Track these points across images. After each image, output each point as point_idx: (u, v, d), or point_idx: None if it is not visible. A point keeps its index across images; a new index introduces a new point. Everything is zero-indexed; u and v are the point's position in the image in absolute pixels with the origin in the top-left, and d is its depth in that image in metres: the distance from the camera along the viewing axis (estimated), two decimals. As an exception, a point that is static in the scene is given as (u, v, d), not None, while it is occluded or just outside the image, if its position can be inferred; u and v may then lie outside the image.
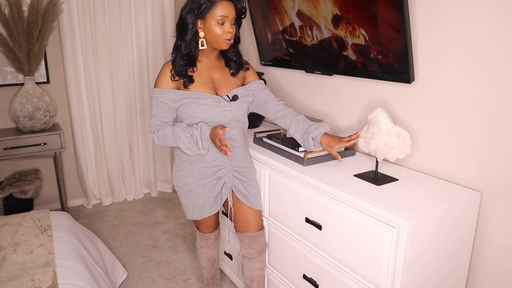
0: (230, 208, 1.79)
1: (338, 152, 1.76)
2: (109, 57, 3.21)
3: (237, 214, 1.80)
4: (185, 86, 1.63)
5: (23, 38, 2.68)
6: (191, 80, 1.63)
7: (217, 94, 1.65)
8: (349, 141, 1.55)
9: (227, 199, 1.78)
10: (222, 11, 1.52)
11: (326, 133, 1.63)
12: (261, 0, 2.25)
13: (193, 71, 1.64)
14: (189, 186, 1.72)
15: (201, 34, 1.59)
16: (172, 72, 1.62)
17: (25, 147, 2.78)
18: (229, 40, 1.58)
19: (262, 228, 1.83)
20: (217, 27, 1.55)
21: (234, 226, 1.84)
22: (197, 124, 1.60)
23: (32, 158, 3.14)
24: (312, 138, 1.63)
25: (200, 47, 1.61)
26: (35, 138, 2.80)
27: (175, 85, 1.64)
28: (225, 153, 1.52)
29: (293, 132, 1.71)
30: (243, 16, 1.64)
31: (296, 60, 2.19)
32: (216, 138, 1.54)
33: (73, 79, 3.09)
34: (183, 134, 1.59)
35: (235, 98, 1.66)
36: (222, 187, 1.74)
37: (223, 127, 1.54)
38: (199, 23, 1.57)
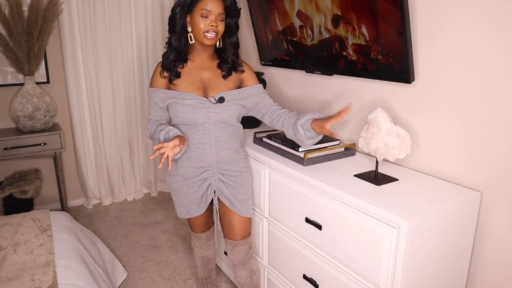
0: (216, 211, 1.78)
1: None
2: (109, 57, 3.21)
3: (222, 219, 1.79)
4: (170, 81, 1.63)
5: (23, 38, 2.68)
6: (177, 75, 1.63)
7: (206, 95, 1.64)
8: (340, 114, 1.44)
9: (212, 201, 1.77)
10: (206, 5, 1.53)
11: (316, 119, 1.55)
12: (261, 0, 2.25)
13: (182, 67, 1.65)
14: (176, 184, 1.73)
15: (189, 28, 1.60)
16: (161, 67, 1.64)
17: (25, 147, 2.78)
18: (209, 34, 1.55)
19: (246, 236, 1.80)
20: (200, 20, 1.55)
21: (222, 230, 1.84)
22: (168, 127, 1.58)
23: (32, 158, 3.14)
24: (301, 126, 1.55)
25: (190, 42, 1.62)
26: (35, 138, 2.80)
27: (165, 84, 1.66)
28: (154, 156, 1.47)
29: (287, 129, 1.65)
30: (234, 15, 1.61)
31: (296, 60, 2.19)
32: (166, 143, 1.47)
33: (73, 79, 3.09)
34: (156, 134, 1.62)
35: (221, 100, 1.63)
36: (207, 189, 1.73)
37: (181, 141, 1.50)
38: (188, 18, 1.59)
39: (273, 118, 1.72)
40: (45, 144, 2.84)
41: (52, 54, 3.05)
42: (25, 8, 2.73)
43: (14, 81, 2.93)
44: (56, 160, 2.98)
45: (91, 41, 3.10)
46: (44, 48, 2.88)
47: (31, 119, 2.79)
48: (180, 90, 1.63)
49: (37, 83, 2.93)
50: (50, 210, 2.20)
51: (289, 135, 1.65)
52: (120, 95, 3.32)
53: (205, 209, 1.77)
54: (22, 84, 2.87)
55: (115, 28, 3.18)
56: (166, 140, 1.55)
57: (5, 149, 2.72)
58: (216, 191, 1.73)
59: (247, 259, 1.82)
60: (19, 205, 2.85)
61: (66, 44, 3.00)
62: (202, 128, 1.64)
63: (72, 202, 3.40)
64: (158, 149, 1.46)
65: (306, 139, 1.57)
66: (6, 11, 2.67)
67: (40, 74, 3.02)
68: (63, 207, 3.11)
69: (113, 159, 3.41)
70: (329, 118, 1.48)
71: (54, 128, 2.98)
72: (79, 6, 2.98)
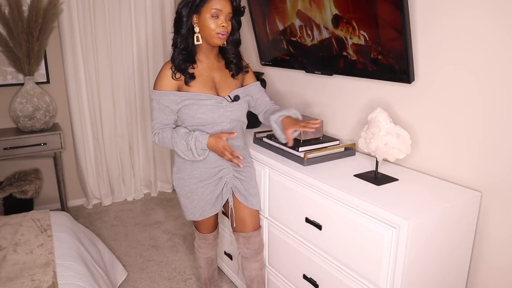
0: (231, 208, 1.79)
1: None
2: (109, 57, 3.22)
3: (235, 214, 1.80)
4: (186, 83, 1.61)
5: (23, 38, 2.68)
6: (192, 76, 1.61)
7: (218, 95, 1.65)
8: (305, 126, 1.56)
9: (227, 199, 1.78)
10: (217, 5, 1.52)
11: (289, 116, 1.66)
12: (261, 0, 2.25)
13: (193, 68, 1.63)
14: (190, 187, 1.72)
15: (196, 29, 1.58)
16: (173, 69, 1.60)
17: (25, 147, 2.78)
18: (222, 35, 1.56)
19: (258, 228, 1.83)
20: (211, 20, 1.54)
21: (232, 226, 1.84)
22: (193, 132, 1.59)
23: (32, 158, 3.14)
24: (275, 121, 1.68)
25: (196, 42, 1.61)
26: (35, 138, 2.80)
27: (176, 86, 1.62)
28: (238, 165, 1.57)
29: (264, 119, 1.80)
30: (240, 14, 1.62)
31: (296, 60, 2.19)
32: (225, 150, 1.56)
33: (73, 79, 3.09)
34: (179, 141, 1.60)
35: (236, 98, 1.66)
36: (223, 187, 1.73)
37: (227, 134, 1.56)
38: (195, 18, 1.57)
39: (262, 113, 1.83)
40: (45, 144, 2.84)
41: (52, 54, 3.06)
42: (25, 8, 2.73)
43: (14, 81, 2.93)
44: (56, 160, 2.98)
45: (91, 41, 3.10)
46: (44, 48, 2.88)
47: (31, 119, 2.79)
48: (195, 91, 1.62)
49: (37, 83, 2.93)
50: (50, 210, 2.20)
51: (270, 125, 1.75)
52: (120, 95, 3.32)
53: (219, 208, 1.77)
54: (22, 84, 2.87)
55: (115, 28, 3.18)
56: (197, 146, 1.59)
57: (5, 149, 2.72)
58: (232, 188, 1.75)
59: (260, 250, 1.85)
60: (19, 205, 2.85)
61: (66, 44, 3.01)
62: (219, 127, 1.65)
63: (72, 202, 3.40)
64: (232, 158, 1.56)
65: (280, 134, 1.70)
66: (6, 11, 2.67)
67: (40, 74, 3.02)
68: (63, 207, 3.11)
69: (113, 159, 3.41)
70: (294, 122, 1.60)
71: (54, 128, 2.98)
72: (79, 6, 2.99)
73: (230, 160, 1.56)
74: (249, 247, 1.82)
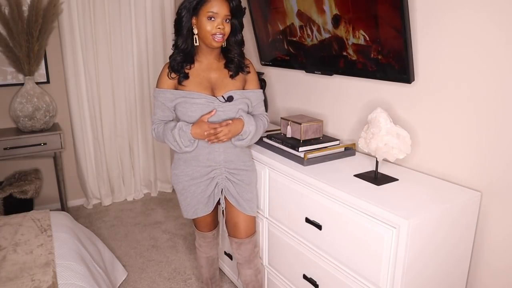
0: (223, 210, 1.79)
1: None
2: (109, 57, 3.21)
3: (227, 218, 1.80)
4: (179, 83, 1.65)
5: (23, 38, 2.68)
6: (185, 76, 1.64)
7: (213, 95, 1.65)
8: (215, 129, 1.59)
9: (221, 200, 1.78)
10: (213, 8, 1.54)
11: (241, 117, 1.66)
12: (261, 0, 2.25)
13: (189, 68, 1.65)
14: (183, 184, 1.72)
15: (195, 31, 1.60)
16: (169, 69, 1.65)
17: (25, 147, 2.78)
18: (217, 37, 1.57)
19: (251, 234, 1.81)
20: (207, 23, 1.55)
21: (226, 229, 1.84)
22: (178, 123, 1.63)
23: (32, 158, 3.14)
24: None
25: (194, 43, 1.63)
26: (35, 138, 2.80)
27: (172, 85, 1.67)
28: (210, 141, 1.60)
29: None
30: (239, 15, 1.62)
31: (296, 60, 2.19)
32: (203, 129, 1.59)
33: (73, 79, 3.09)
34: (168, 132, 1.65)
35: (230, 99, 1.64)
36: (215, 188, 1.73)
37: (208, 114, 1.60)
38: (194, 20, 1.59)
39: None
40: (45, 144, 2.84)
41: (52, 54, 3.06)
42: (25, 8, 2.73)
43: (14, 81, 2.93)
44: (56, 160, 2.98)
45: (91, 41, 3.10)
46: (44, 48, 2.88)
47: (31, 119, 2.79)
48: (189, 90, 1.64)
49: (37, 83, 2.93)
50: (50, 210, 2.20)
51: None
52: (120, 95, 3.32)
53: (212, 208, 1.77)
54: (22, 84, 2.87)
55: (115, 28, 3.18)
56: (182, 136, 1.61)
57: (5, 149, 2.72)
58: (223, 190, 1.74)
59: (252, 257, 1.83)
60: (19, 205, 2.85)
61: (66, 44, 3.01)
62: None
63: (72, 202, 3.40)
64: (212, 135, 1.60)
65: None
66: (6, 11, 2.67)
67: (40, 74, 3.02)
68: (63, 207, 3.11)
69: (113, 159, 3.41)
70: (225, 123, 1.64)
71: (54, 128, 2.98)
72: (79, 6, 2.99)
73: (216, 137, 1.59)
74: (241, 253, 1.81)
